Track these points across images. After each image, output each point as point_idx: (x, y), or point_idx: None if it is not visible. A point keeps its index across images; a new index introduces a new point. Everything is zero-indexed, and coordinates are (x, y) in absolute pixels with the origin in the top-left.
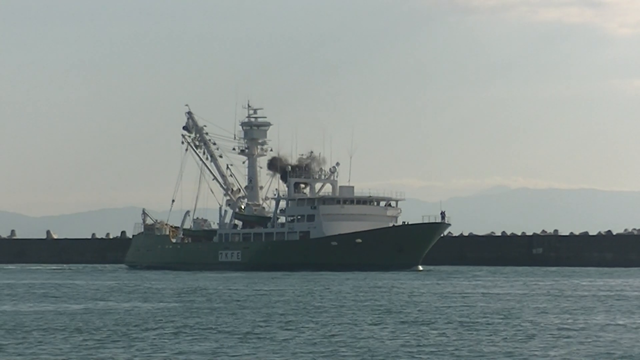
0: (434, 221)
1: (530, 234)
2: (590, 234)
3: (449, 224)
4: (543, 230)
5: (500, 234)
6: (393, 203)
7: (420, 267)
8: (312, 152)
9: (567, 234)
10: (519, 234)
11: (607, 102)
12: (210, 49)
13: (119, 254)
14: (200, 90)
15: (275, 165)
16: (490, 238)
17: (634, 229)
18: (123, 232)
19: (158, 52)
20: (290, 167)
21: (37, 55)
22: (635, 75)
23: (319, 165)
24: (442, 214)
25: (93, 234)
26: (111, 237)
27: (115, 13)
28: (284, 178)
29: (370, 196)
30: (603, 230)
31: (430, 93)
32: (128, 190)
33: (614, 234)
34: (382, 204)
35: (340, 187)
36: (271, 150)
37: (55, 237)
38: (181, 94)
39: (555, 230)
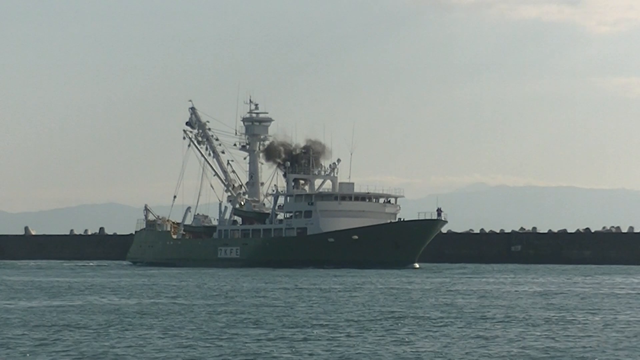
0: (430, 218)
1: (509, 231)
2: (569, 231)
3: (446, 221)
4: (522, 228)
5: (479, 232)
6: (392, 200)
7: (417, 265)
8: (310, 147)
9: (546, 231)
10: (498, 231)
11: (586, 99)
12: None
13: (97, 250)
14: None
15: (272, 154)
16: (469, 235)
17: (612, 227)
18: (101, 229)
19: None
20: (289, 163)
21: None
22: (613, 73)
23: (324, 152)
24: (439, 211)
25: (71, 230)
26: (89, 233)
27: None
28: (282, 168)
29: (368, 192)
30: (582, 227)
31: (409, 90)
32: (106, 187)
33: (593, 231)
34: (382, 200)
35: (340, 183)
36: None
37: (33, 233)
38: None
39: (534, 228)
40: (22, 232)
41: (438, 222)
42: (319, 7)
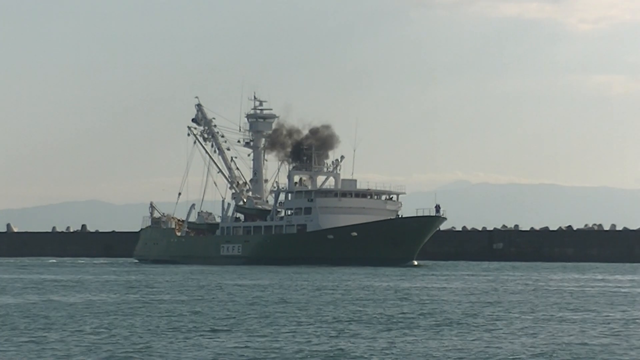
0: (428, 214)
1: (491, 229)
2: (551, 229)
3: (445, 218)
4: (503, 225)
5: (460, 229)
6: (394, 197)
7: (415, 262)
8: (318, 132)
9: (528, 229)
10: (480, 229)
11: (567, 97)
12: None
13: (79, 248)
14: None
15: (277, 143)
16: (450, 233)
17: (594, 225)
18: (84, 226)
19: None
20: (290, 159)
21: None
22: (594, 71)
23: (332, 139)
24: (437, 207)
25: (54, 228)
26: (72, 230)
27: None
28: (288, 161)
29: (368, 189)
30: (564, 225)
31: (391, 88)
32: (89, 184)
33: (575, 229)
34: (383, 197)
35: (342, 180)
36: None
37: (15, 230)
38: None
39: (516, 225)
40: (4, 230)
41: (437, 218)
42: (301, 4)
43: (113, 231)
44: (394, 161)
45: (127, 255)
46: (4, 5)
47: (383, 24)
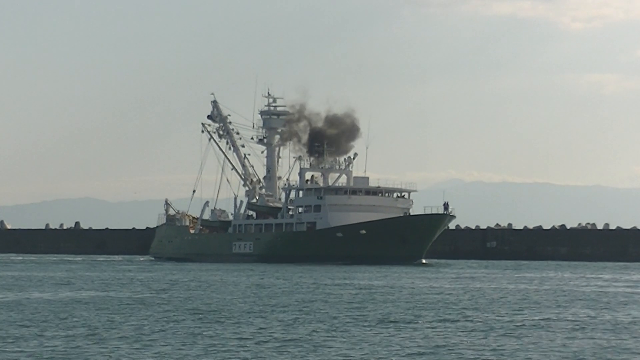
0: (437, 212)
1: (484, 227)
2: (544, 228)
3: (454, 216)
4: (497, 224)
5: (454, 228)
6: (405, 194)
7: (424, 260)
8: (335, 120)
9: (521, 227)
10: (473, 227)
11: (560, 96)
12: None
13: (73, 245)
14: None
15: (292, 131)
16: (444, 231)
17: (588, 224)
18: (77, 223)
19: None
20: (302, 155)
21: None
22: (587, 70)
23: (356, 132)
24: (445, 205)
25: (47, 225)
26: (65, 227)
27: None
28: (304, 156)
29: (379, 187)
30: (557, 224)
31: (383, 86)
32: (83, 181)
33: (568, 228)
34: (395, 195)
35: (354, 177)
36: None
37: (9, 227)
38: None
39: (509, 224)
40: None
41: (445, 216)
42: (292, 2)
43: (106, 228)
44: (387, 159)
45: (119, 252)
46: (3, 2)
47: (374, 21)
